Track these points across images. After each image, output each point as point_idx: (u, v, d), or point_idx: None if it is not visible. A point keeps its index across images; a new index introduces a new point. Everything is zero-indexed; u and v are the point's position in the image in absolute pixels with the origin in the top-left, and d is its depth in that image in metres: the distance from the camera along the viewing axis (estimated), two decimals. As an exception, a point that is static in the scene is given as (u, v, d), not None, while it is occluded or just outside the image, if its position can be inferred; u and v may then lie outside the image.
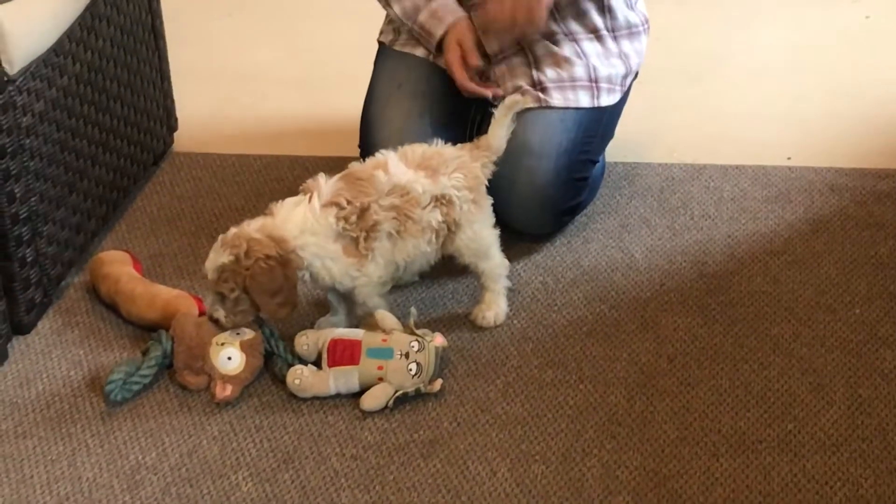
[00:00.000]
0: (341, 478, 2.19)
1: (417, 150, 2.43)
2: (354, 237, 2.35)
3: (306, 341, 2.38)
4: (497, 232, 2.50)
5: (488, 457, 2.21)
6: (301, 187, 2.39)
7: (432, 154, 2.42)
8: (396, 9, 2.69)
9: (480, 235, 2.46)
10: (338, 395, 2.34)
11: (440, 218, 2.39)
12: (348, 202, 2.34)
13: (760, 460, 2.17)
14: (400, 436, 2.26)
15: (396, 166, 2.38)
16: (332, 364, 2.34)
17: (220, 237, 2.33)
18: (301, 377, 2.34)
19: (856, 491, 2.10)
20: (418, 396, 2.32)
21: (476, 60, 2.63)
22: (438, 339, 2.37)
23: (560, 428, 2.26)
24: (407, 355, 2.32)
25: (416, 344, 2.33)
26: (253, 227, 2.33)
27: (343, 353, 2.34)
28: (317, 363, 2.36)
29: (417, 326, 2.39)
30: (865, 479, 2.12)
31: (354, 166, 2.42)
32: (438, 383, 2.33)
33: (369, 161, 2.43)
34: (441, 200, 2.39)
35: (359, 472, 2.19)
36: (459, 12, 2.65)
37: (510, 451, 2.22)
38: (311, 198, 2.35)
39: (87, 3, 2.64)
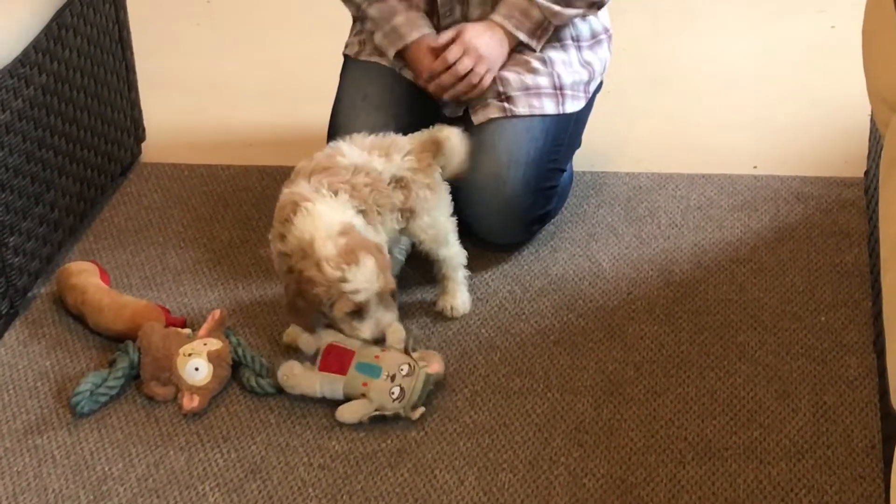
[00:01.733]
0: (309, 487, 2.19)
1: (366, 137, 2.46)
2: (363, 210, 2.38)
3: (308, 336, 2.38)
4: (454, 220, 2.53)
5: (456, 465, 2.21)
6: (285, 205, 2.36)
7: (382, 139, 2.46)
8: (373, 10, 2.68)
9: (438, 222, 2.49)
10: (307, 405, 2.34)
11: (402, 197, 2.42)
12: (341, 183, 2.36)
13: (726, 467, 2.18)
14: (367, 445, 2.26)
15: (350, 149, 2.41)
16: (322, 368, 2.34)
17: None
18: (290, 373, 2.34)
19: (821, 497, 2.11)
20: (397, 419, 2.30)
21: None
22: (434, 366, 2.34)
23: (527, 436, 2.27)
24: (393, 378, 2.30)
25: (406, 367, 2.31)
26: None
27: (334, 360, 2.33)
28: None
29: (415, 349, 2.38)
30: (830, 486, 2.13)
31: (306, 163, 2.42)
32: (419, 412, 2.29)
33: (322, 154, 2.44)
34: (399, 182, 2.41)
35: (326, 482, 2.19)
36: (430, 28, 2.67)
37: (477, 460, 2.22)
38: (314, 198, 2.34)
39: (54, 14, 2.63)
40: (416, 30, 2.66)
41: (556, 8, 2.64)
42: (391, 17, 2.67)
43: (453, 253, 2.53)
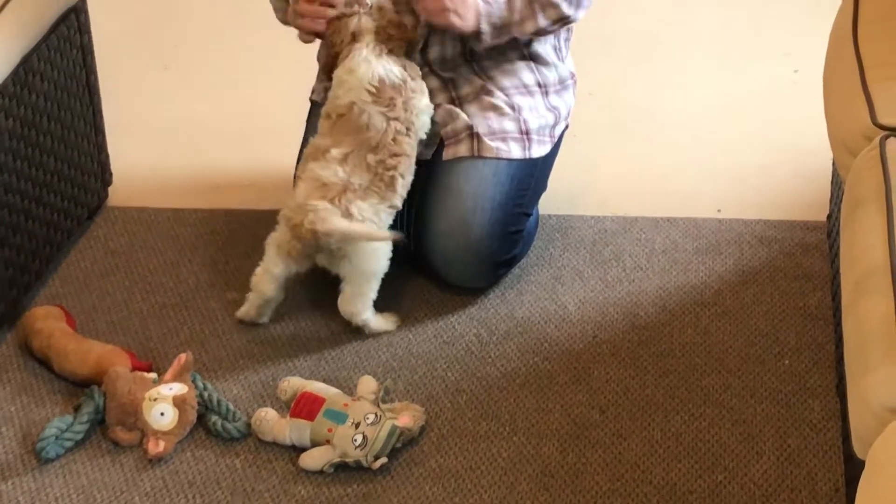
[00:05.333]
0: (274, 533, 2.19)
1: None
2: None
3: (287, 387, 2.40)
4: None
5: (422, 510, 2.22)
6: None
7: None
8: None
9: None
10: (273, 450, 2.34)
11: None
12: None
13: (691, 511, 2.19)
14: (333, 490, 2.26)
15: None
16: (292, 415, 2.34)
17: None
18: (263, 420, 2.35)
19: (785, 541, 2.12)
20: (361, 468, 2.29)
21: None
22: (403, 419, 2.33)
23: (493, 480, 2.27)
24: (357, 425, 2.30)
25: (371, 416, 2.31)
26: None
27: (304, 407, 2.34)
28: None
29: (391, 400, 2.39)
30: (794, 529, 2.15)
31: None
32: (380, 462, 2.27)
33: None
34: None
35: (292, 527, 2.19)
36: None
37: (443, 505, 2.23)
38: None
39: (21, 59, 2.64)
40: None
41: (528, 11, 2.63)
42: None
43: None
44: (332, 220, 2.46)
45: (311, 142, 2.59)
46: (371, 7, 2.56)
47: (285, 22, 2.75)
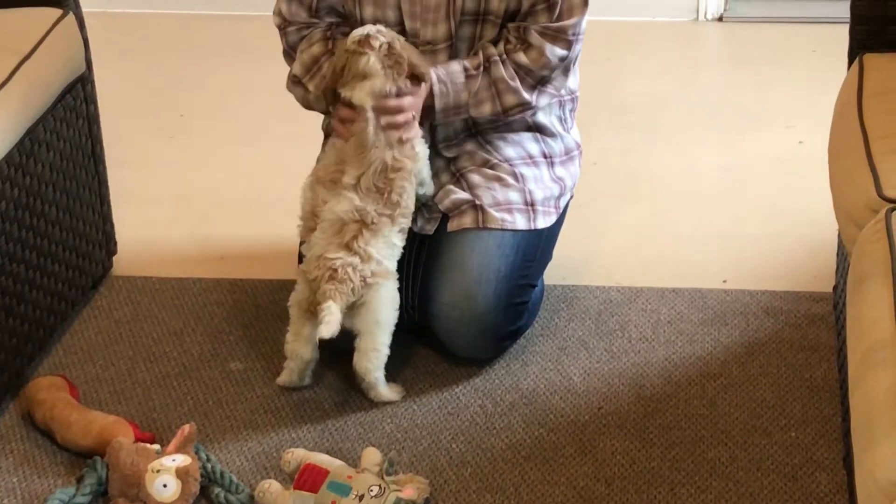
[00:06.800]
0: None
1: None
2: None
3: (290, 459, 2.38)
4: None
5: (426, 584, 2.20)
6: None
7: None
8: (297, 68, 2.72)
9: None
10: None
11: None
12: None
13: (698, 586, 2.17)
14: (337, 563, 2.24)
15: None
16: (296, 486, 2.32)
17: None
18: (266, 491, 2.33)
19: None
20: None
21: None
22: (407, 492, 2.31)
23: (498, 554, 2.25)
24: (361, 497, 2.28)
25: (375, 489, 2.30)
26: None
27: (308, 479, 2.32)
28: None
29: (396, 472, 2.36)
30: None
31: None
32: None
33: None
34: None
35: None
36: None
37: (448, 579, 2.21)
38: None
39: (27, 129, 2.65)
40: None
41: (486, 94, 2.64)
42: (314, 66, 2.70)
43: None
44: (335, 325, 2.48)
45: (316, 170, 2.63)
46: (380, 46, 2.54)
47: (307, 107, 2.77)
